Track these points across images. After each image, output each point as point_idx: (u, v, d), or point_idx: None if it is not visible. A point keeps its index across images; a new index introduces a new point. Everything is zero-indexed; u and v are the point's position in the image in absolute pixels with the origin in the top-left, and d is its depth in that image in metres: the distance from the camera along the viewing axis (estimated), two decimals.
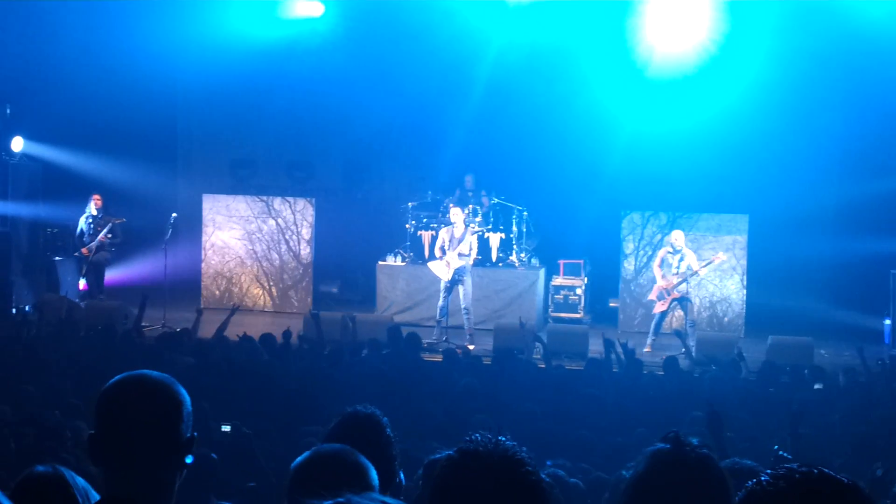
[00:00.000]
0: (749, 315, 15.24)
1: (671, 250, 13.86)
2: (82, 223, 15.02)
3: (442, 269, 14.06)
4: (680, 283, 13.70)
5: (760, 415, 8.55)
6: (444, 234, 14.25)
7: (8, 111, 15.30)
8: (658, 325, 13.93)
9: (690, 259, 13.78)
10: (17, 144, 15.38)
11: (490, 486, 2.09)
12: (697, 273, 13.83)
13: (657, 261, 14.10)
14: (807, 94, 15.66)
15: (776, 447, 6.04)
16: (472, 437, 2.18)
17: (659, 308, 13.89)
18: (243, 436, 5.81)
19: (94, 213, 15.01)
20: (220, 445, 6.88)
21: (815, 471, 1.94)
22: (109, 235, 14.92)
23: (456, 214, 14.22)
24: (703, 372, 10.56)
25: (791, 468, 1.96)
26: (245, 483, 5.95)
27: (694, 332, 13.58)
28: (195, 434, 2.43)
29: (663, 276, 13.82)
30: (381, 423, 3.25)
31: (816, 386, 9.76)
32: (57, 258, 15.55)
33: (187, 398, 2.42)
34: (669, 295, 13.75)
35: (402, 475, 3.31)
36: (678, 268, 13.73)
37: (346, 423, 3.24)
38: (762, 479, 1.96)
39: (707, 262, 13.95)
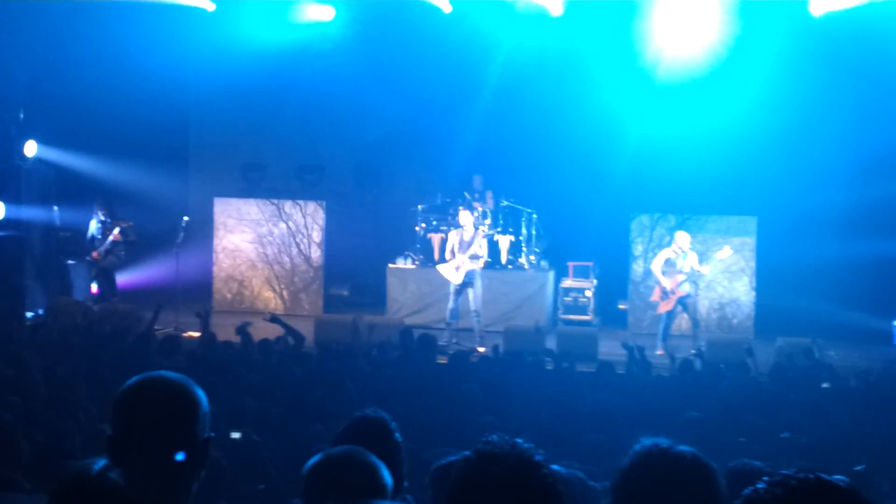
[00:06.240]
0: (758, 317, 15.23)
1: (677, 252, 13.82)
2: (93, 228, 15.06)
3: (451, 273, 14.09)
4: (683, 281, 13.68)
5: (771, 416, 8.54)
6: (453, 237, 14.28)
7: (21, 116, 15.37)
8: (667, 328, 13.88)
9: (692, 259, 13.76)
10: (31, 149, 15.43)
11: (507, 489, 2.09)
12: (701, 273, 13.79)
13: (660, 261, 13.98)
14: (816, 96, 15.62)
15: (785, 434, 5.96)
16: (488, 438, 2.19)
17: (663, 308, 13.85)
18: (253, 443, 5.83)
19: (102, 217, 15.03)
20: (228, 449, 6.93)
21: (812, 476, 1.91)
22: (121, 237, 14.90)
23: (465, 217, 14.25)
24: (714, 374, 10.51)
25: (788, 474, 1.92)
26: (253, 486, 5.99)
27: (699, 330, 13.60)
28: (212, 434, 2.44)
29: (664, 274, 13.80)
30: (389, 427, 3.27)
31: (824, 385, 9.74)
32: (70, 262, 15.61)
33: (204, 399, 2.44)
34: (674, 294, 13.72)
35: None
36: (681, 268, 13.71)
37: (355, 426, 3.26)
38: (758, 486, 1.93)
39: (710, 259, 13.93)
